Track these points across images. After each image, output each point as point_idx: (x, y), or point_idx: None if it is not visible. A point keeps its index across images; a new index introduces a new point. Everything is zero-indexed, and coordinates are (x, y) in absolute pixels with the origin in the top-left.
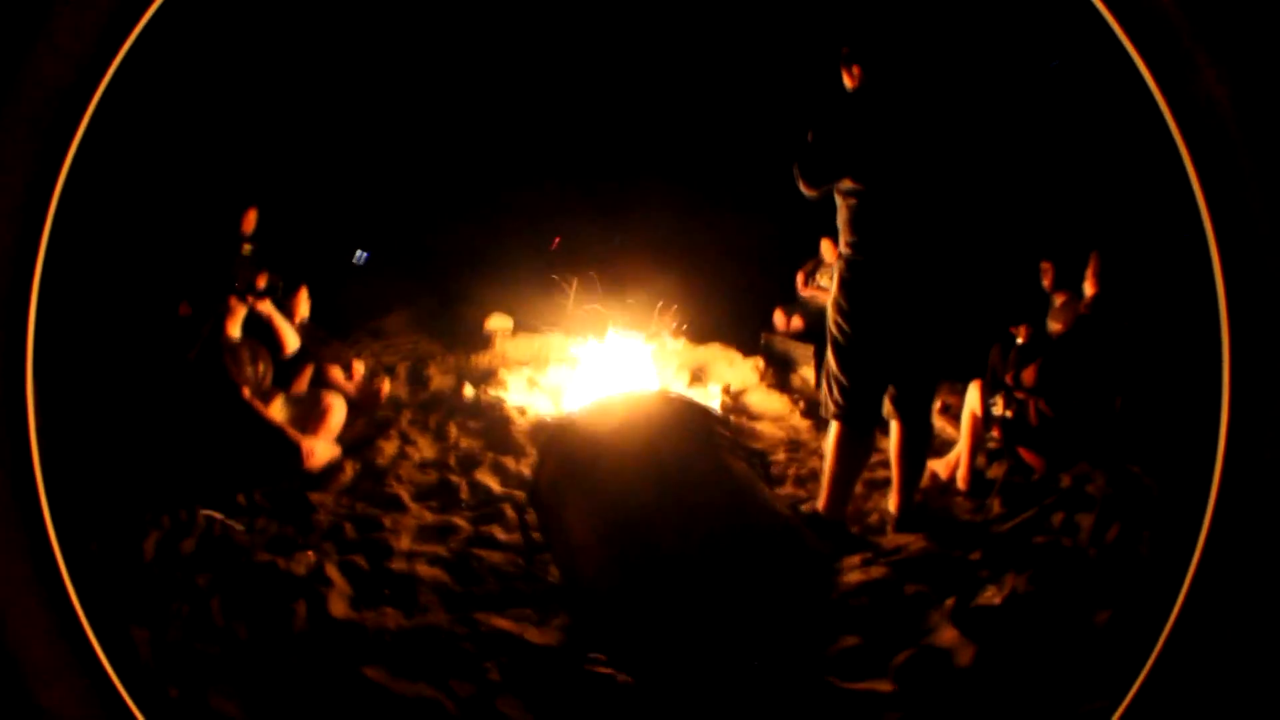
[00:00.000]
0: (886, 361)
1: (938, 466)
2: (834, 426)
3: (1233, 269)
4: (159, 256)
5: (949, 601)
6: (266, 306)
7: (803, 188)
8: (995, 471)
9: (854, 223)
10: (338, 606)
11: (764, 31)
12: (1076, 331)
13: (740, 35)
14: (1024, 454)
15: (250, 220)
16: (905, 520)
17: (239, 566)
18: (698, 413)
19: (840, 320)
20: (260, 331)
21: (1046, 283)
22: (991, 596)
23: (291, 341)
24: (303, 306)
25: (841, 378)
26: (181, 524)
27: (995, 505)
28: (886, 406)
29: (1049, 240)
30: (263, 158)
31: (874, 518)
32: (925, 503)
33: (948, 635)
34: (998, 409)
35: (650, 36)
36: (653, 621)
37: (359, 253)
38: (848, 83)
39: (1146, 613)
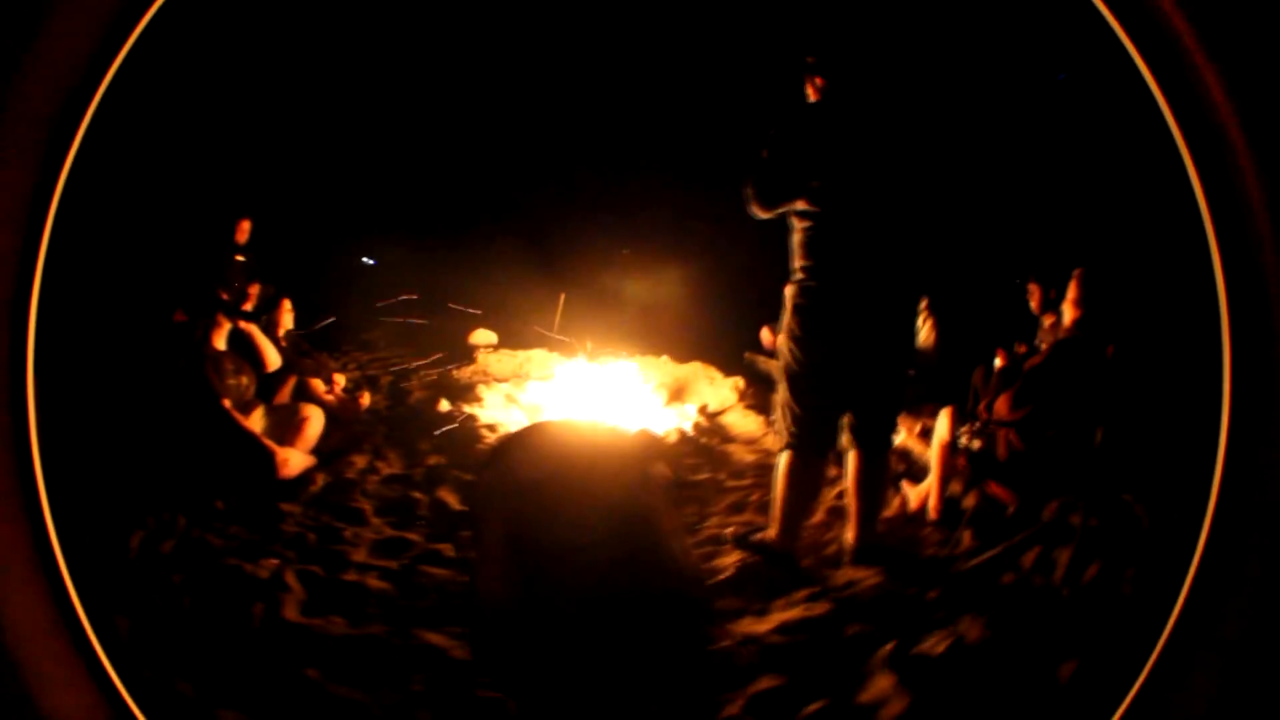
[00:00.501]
0: (840, 390)
1: (910, 495)
2: (785, 455)
3: (1236, 284)
4: (156, 264)
5: (888, 645)
6: (249, 326)
7: (754, 209)
8: (970, 501)
9: (808, 246)
10: (291, 611)
11: (753, 38)
12: (1053, 358)
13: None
14: (993, 488)
15: (244, 231)
16: (863, 553)
17: (210, 568)
18: (637, 448)
19: (793, 346)
20: (245, 347)
21: (1034, 304)
22: (934, 644)
23: (273, 360)
24: (286, 318)
25: (794, 406)
26: (164, 525)
27: (966, 538)
28: (845, 436)
29: (1040, 259)
30: (258, 169)
31: (832, 549)
32: (889, 535)
33: (882, 683)
34: (964, 439)
35: (651, 45)
36: (533, 651)
37: (366, 259)
38: (810, 94)
39: (1119, 664)
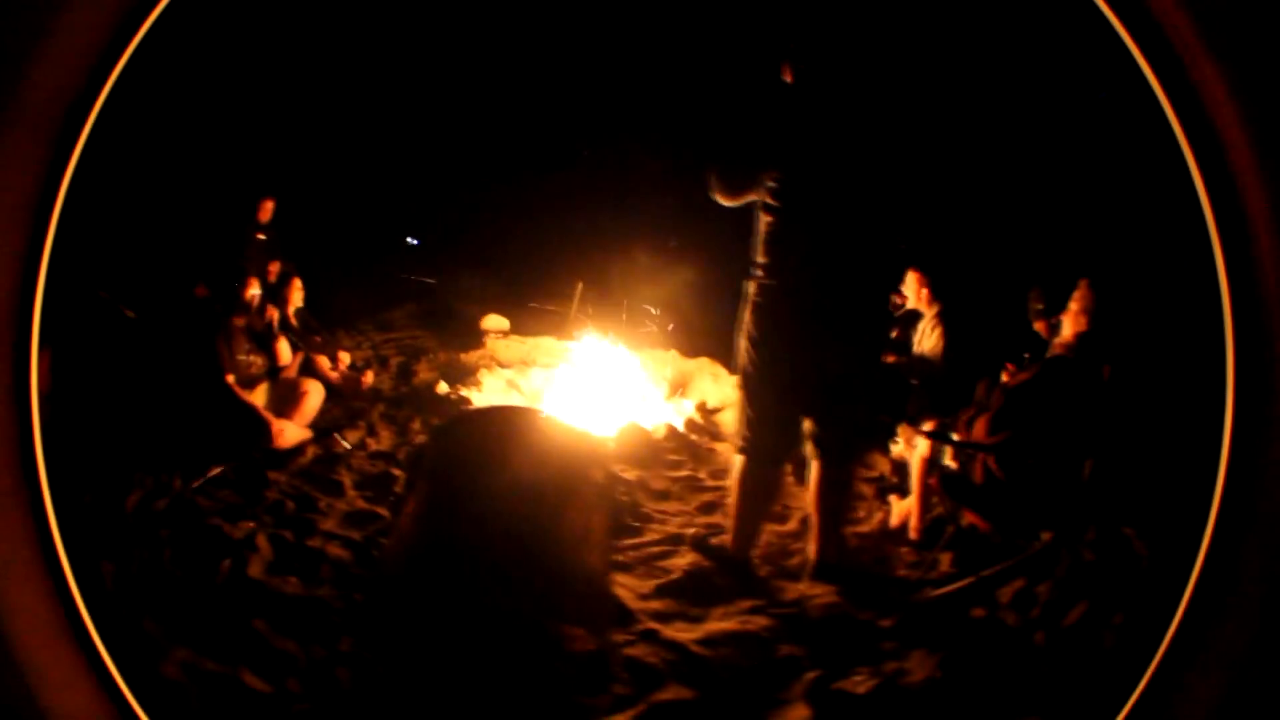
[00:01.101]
0: (796, 396)
1: (893, 510)
2: (738, 460)
3: (1241, 306)
4: (179, 237)
5: (811, 674)
6: (264, 321)
7: (717, 195)
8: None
9: (769, 241)
10: (255, 569)
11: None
12: (1040, 378)
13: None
14: (969, 515)
15: (267, 210)
16: (824, 569)
17: (193, 526)
18: (582, 451)
19: (747, 347)
20: (262, 340)
21: (1040, 329)
22: (859, 682)
23: (285, 357)
24: (295, 295)
25: (747, 409)
26: (161, 485)
27: (944, 562)
28: (808, 446)
29: (1044, 274)
30: (283, 150)
31: (796, 560)
32: (862, 551)
33: (797, 715)
34: (944, 458)
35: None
36: (408, 621)
37: (410, 240)
38: (787, 80)
39: None
